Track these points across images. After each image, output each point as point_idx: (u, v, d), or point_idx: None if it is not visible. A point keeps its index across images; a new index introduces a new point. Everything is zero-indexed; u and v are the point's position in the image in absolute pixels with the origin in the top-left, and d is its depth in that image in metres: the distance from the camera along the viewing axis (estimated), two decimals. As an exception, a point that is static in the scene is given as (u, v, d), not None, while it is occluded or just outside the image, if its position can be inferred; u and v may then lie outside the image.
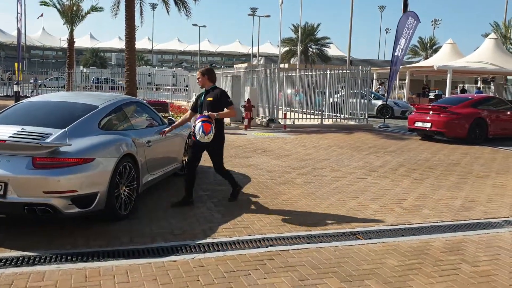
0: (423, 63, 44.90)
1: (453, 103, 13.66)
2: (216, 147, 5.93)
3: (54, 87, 38.02)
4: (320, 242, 4.71)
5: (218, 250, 4.40)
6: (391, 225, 5.39)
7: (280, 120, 16.21)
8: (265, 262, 4.13)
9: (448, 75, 34.90)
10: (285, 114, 15.83)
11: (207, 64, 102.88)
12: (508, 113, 13.79)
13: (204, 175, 7.70)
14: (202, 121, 5.56)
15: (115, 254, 4.22)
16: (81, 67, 60.37)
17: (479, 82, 47.56)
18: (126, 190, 5.27)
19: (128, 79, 18.23)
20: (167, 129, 6.18)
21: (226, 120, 17.34)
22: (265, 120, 16.75)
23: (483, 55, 38.05)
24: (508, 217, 5.83)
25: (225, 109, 5.82)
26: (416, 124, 13.64)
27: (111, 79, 38.61)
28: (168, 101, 29.17)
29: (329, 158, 9.91)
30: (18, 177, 4.33)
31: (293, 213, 5.70)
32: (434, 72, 41.15)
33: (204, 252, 4.34)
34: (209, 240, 4.67)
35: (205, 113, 5.70)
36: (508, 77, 51.48)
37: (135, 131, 5.81)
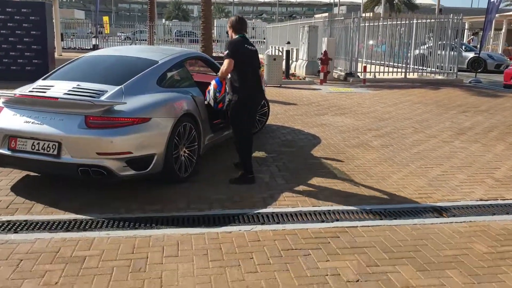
0: (525, 10, 40.41)
1: (561, 55, 11.93)
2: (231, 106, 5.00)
3: (138, 40, 39.04)
4: (395, 219, 4.14)
5: (278, 222, 4.00)
6: (481, 200, 4.67)
7: (359, 74, 15.24)
8: (328, 240, 3.67)
9: (555, 23, 31.15)
10: (364, 67, 14.82)
11: (287, 15, 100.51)
12: None
13: (270, 134, 7.28)
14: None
15: (169, 222, 3.96)
16: (163, 20, 61.41)
17: None
18: (187, 152, 4.98)
19: (203, 32, 17.84)
20: None
21: (301, 73, 16.65)
22: (342, 74, 15.84)
23: None
24: None
25: None
26: (514, 80, 12.16)
27: (193, 32, 39.01)
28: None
29: (412, 118, 9.04)
30: (70, 137, 4.15)
31: (366, 182, 5.14)
32: (537, 20, 36.96)
33: (262, 223, 3.96)
34: (269, 209, 4.27)
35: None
36: None
37: (196, 89, 5.45)
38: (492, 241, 3.71)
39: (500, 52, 31.08)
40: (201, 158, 5.39)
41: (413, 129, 7.96)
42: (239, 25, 5.03)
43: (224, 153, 6.08)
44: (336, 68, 16.60)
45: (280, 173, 5.35)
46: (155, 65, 5.12)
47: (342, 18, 16.52)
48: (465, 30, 34.23)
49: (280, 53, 14.46)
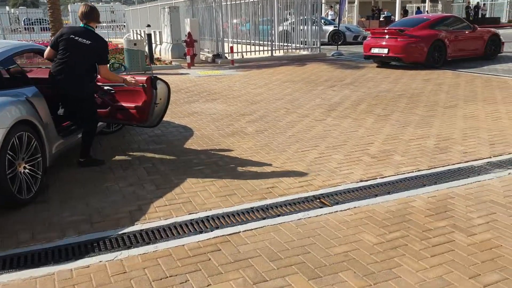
0: (372, -17, 43.54)
1: (409, 25, 12.72)
2: None
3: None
4: (279, 216, 3.76)
5: (148, 242, 3.37)
6: (361, 181, 4.50)
7: (226, 55, 14.87)
8: (209, 256, 3.15)
9: (398, -5, 33.98)
10: (231, 48, 14.47)
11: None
12: (466, 32, 13.04)
13: (136, 130, 6.53)
14: None
15: (6, 263, 3.12)
16: (7, 8, 55.24)
17: (426, 1, 46.98)
18: (27, 167, 4.08)
19: (52, 18, 16.12)
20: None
21: (167, 57, 15.80)
22: (210, 55, 15.35)
23: (432, -28, 37.19)
24: (490, 157, 5.07)
25: None
26: (372, 51, 12.70)
27: (45, 19, 35.71)
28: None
29: (283, 98, 8.87)
30: None
31: (244, 175, 4.71)
32: (383, -8, 40.10)
33: (129, 247, 3.30)
34: (136, 227, 3.62)
35: None
36: (455, -6, 51.16)
37: (33, 88, 4.51)
38: (379, 228, 3.49)
39: (355, 24, 33.09)
40: (48, 171, 4.51)
41: (286, 110, 7.76)
42: (81, 15, 4.77)
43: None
44: (203, 50, 16.06)
45: (149, 177, 4.69)
46: (-26, 64, 4.09)
47: (203, -3, 15.94)
48: (322, 5, 35.77)
49: (141, 37, 13.47)
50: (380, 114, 7.26)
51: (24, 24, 35.71)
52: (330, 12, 30.76)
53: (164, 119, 7.10)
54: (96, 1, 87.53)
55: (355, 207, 3.89)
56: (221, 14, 14.73)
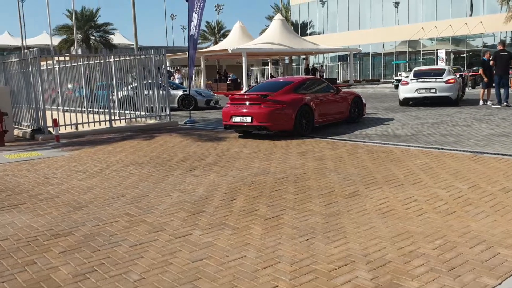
0: (217, 47, 43.74)
1: (271, 89, 11.19)
2: None
3: None
4: None
5: None
6: None
7: (51, 129, 11.70)
8: None
9: (243, 58, 34.15)
10: (55, 120, 11.35)
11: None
12: (330, 95, 11.96)
13: None
14: None
15: None
16: None
17: (269, 63, 48.79)
18: None
19: None
20: None
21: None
22: (29, 130, 12.00)
23: (272, 36, 38.61)
24: (469, 303, 3.12)
25: None
26: (233, 120, 10.77)
27: None
28: None
29: (124, 194, 6.22)
30: None
31: None
32: (228, 55, 40.31)
33: None
34: None
35: None
36: (293, 56, 54.37)
37: None
38: None
39: (203, 87, 31.96)
40: None
41: (128, 219, 5.13)
42: None
43: None
44: (20, 123, 12.63)
45: None
46: None
47: (17, 59, 12.65)
48: (167, 67, 34.22)
49: None
50: (267, 216, 5.07)
51: None
52: (177, 76, 29.17)
53: None
54: None
55: None
56: (39, 78, 11.59)
